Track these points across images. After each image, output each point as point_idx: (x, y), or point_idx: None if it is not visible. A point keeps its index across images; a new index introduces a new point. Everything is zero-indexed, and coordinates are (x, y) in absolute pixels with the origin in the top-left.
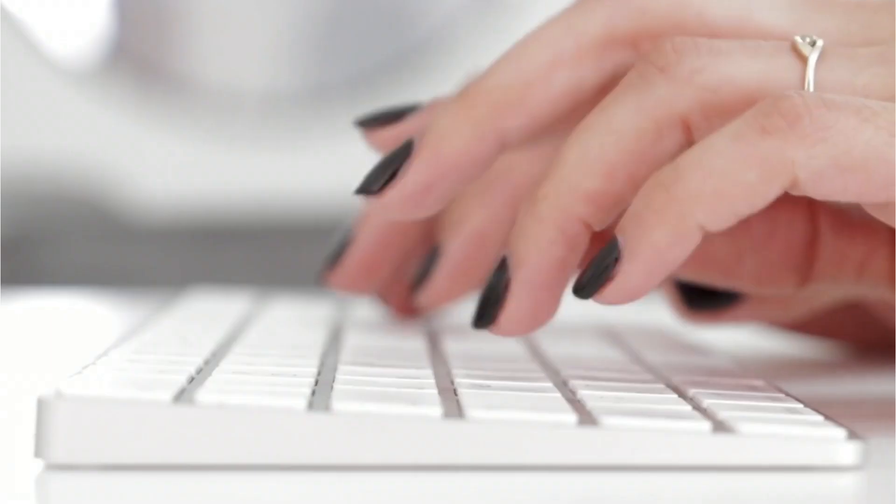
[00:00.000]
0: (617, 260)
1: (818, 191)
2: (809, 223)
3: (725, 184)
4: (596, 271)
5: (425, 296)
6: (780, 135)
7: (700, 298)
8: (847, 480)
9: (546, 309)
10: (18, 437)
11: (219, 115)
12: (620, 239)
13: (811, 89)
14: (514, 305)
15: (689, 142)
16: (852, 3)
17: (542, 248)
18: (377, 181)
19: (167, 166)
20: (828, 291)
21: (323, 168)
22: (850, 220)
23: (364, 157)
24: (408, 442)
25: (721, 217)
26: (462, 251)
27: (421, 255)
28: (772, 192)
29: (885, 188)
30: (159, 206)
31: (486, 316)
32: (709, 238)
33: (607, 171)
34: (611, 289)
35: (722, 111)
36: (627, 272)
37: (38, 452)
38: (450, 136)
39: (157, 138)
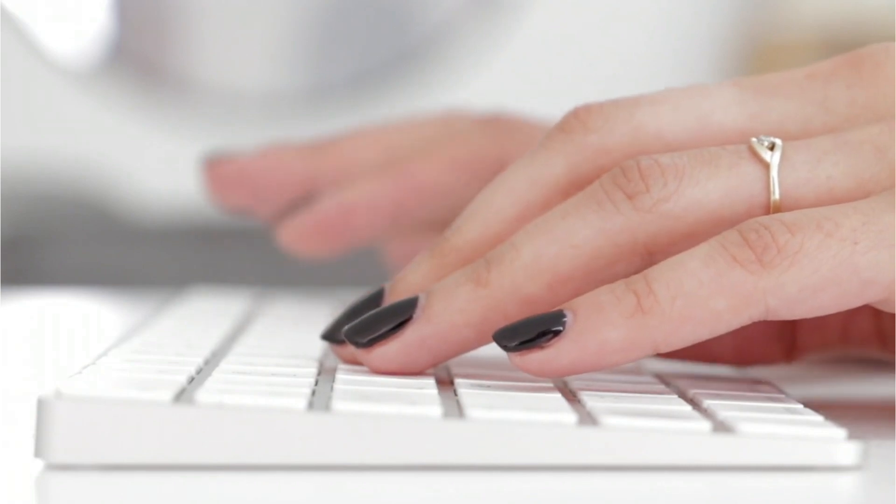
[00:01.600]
0: (557, 334)
1: (793, 313)
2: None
3: (694, 308)
4: (531, 331)
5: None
6: (750, 266)
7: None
8: (847, 480)
9: (420, 364)
10: (18, 437)
11: (219, 115)
12: (569, 316)
13: (777, 194)
14: (397, 348)
15: (646, 265)
16: (803, 76)
17: (456, 323)
18: (336, 328)
19: (167, 166)
20: (819, 356)
21: None
22: None
23: None
24: (408, 442)
25: (680, 339)
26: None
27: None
28: (739, 322)
29: (859, 295)
30: (159, 206)
31: (361, 334)
32: None
33: (554, 283)
34: (537, 357)
35: (688, 235)
36: (563, 351)
37: (38, 452)
38: (420, 290)
39: (157, 138)
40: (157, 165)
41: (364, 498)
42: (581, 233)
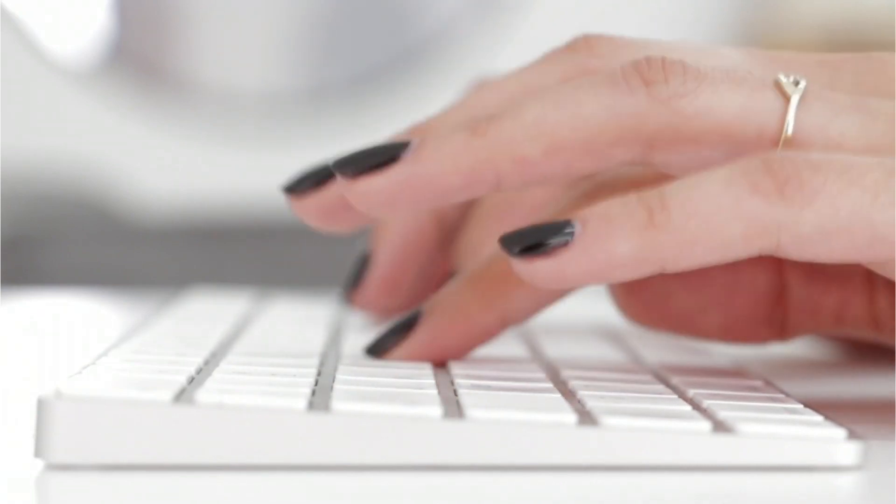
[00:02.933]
0: (566, 243)
1: (801, 254)
2: (775, 276)
3: (707, 231)
4: (537, 238)
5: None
6: (769, 196)
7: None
8: (847, 480)
9: (402, 204)
10: (18, 437)
11: (218, 114)
12: (578, 226)
13: (790, 130)
14: (381, 182)
15: (644, 159)
16: (814, 60)
17: (445, 168)
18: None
19: (167, 166)
20: (810, 335)
21: None
22: (822, 270)
23: None
24: (408, 442)
25: (688, 260)
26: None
27: (438, 273)
28: (749, 251)
29: (867, 248)
30: (159, 206)
31: (350, 166)
32: (670, 293)
33: (552, 149)
34: (544, 265)
35: (692, 140)
36: (570, 260)
37: (38, 452)
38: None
39: (157, 138)
40: (157, 165)
41: (364, 498)
42: (590, 105)
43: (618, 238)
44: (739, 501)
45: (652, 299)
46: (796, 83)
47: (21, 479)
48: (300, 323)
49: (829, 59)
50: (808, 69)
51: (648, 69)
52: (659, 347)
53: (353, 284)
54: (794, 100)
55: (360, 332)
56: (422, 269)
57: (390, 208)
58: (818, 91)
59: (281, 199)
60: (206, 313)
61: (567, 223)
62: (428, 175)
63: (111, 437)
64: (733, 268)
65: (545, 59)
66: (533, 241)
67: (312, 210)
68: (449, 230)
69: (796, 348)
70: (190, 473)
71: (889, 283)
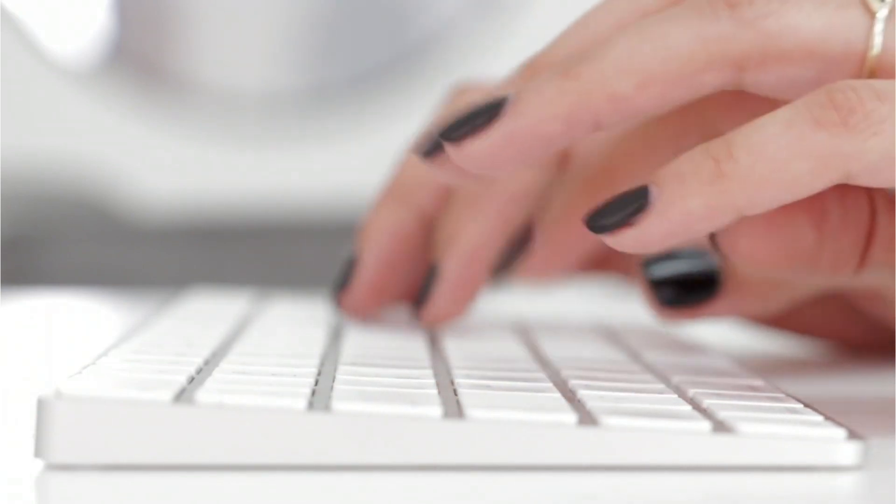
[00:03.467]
0: (643, 209)
1: (873, 181)
2: (870, 204)
3: (775, 172)
4: (618, 212)
5: (427, 314)
6: (833, 129)
7: (676, 294)
8: (847, 480)
9: (508, 161)
10: (18, 437)
11: (219, 115)
12: (654, 190)
13: (876, 48)
14: (484, 142)
15: (735, 82)
16: None
17: (543, 116)
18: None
19: (167, 166)
20: (874, 280)
21: (323, 168)
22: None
23: (363, 157)
24: (408, 442)
25: (762, 203)
26: (457, 270)
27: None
28: (820, 185)
29: None
30: (159, 206)
31: (453, 132)
32: (795, 224)
33: (644, 83)
34: (628, 234)
35: (780, 59)
36: (651, 225)
37: (38, 452)
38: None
39: (157, 138)
40: (157, 165)
41: (364, 498)
42: (677, 35)
43: (690, 194)
44: (739, 501)
45: (768, 231)
46: None
47: (21, 479)
48: (300, 323)
49: None
50: None
51: None
52: (659, 347)
53: (340, 286)
54: (881, 15)
55: (361, 331)
56: (408, 269)
57: (500, 166)
58: None
59: (281, 199)
60: (206, 313)
61: (643, 189)
62: (528, 126)
63: (111, 437)
64: (839, 198)
65: None
66: (614, 216)
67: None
68: (432, 227)
69: (796, 348)
70: (190, 473)
71: None
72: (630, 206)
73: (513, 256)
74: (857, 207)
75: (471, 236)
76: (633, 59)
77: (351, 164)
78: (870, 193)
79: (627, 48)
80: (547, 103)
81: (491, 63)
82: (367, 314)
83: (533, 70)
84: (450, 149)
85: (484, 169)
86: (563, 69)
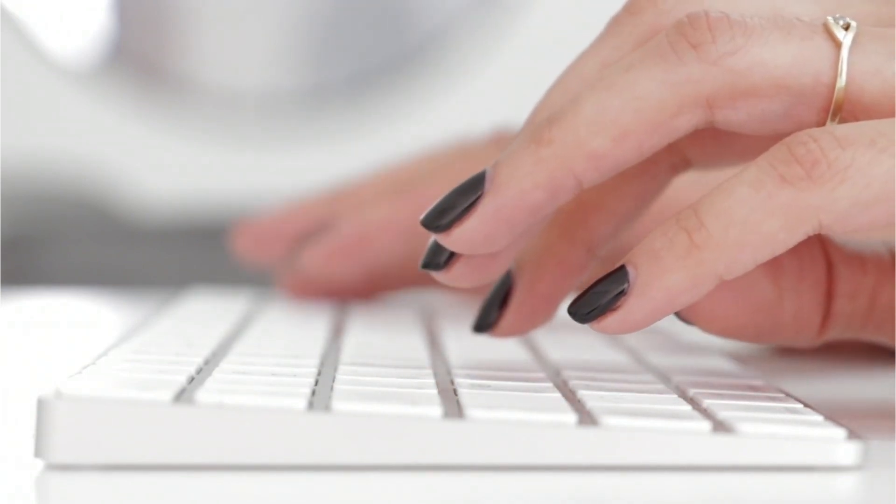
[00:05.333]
0: (624, 292)
1: (846, 229)
2: (826, 258)
3: (748, 233)
4: (600, 299)
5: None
6: (800, 183)
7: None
8: (847, 480)
9: (501, 237)
10: (18, 437)
11: (219, 115)
12: (631, 271)
13: (843, 78)
14: (474, 224)
15: (707, 121)
16: None
17: (524, 188)
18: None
19: (167, 166)
20: (840, 333)
21: (323, 168)
22: (857, 252)
23: (363, 157)
24: (408, 442)
25: (741, 266)
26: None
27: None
28: (795, 240)
29: None
30: (159, 206)
31: (441, 221)
32: (752, 284)
33: (619, 136)
34: (612, 319)
35: (750, 94)
36: (634, 307)
37: (38, 452)
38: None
39: (157, 138)
40: (157, 165)
41: (364, 498)
42: (644, 84)
43: (667, 270)
44: (739, 501)
45: (734, 296)
46: (846, 27)
47: (21, 479)
48: (300, 323)
49: None
50: None
51: (693, 31)
52: (659, 347)
53: (237, 226)
54: (846, 44)
55: (361, 331)
56: (304, 228)
57: (492, 243)
58: (871, 31)
59: (281, 199)
60: (206, 313)
61: (621, 272)
62: (512, 201)
63: (111, 437)
64: (797, 251)
65: (614, 30)
66: (596, 304)
67: (460, 275)
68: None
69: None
70: (190, 473)
71: None
72: (611, 291)
73: (492, 309)
74: (812, 259)
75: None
76: (604, 115)
77: (351, 164)
78: (824, 246)
79: (597, 104)
80: (527, 175)
81: (491, 63)
82: (252, 256)
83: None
84: (440, 238)
85: (477, 250)
86: (534, 135)
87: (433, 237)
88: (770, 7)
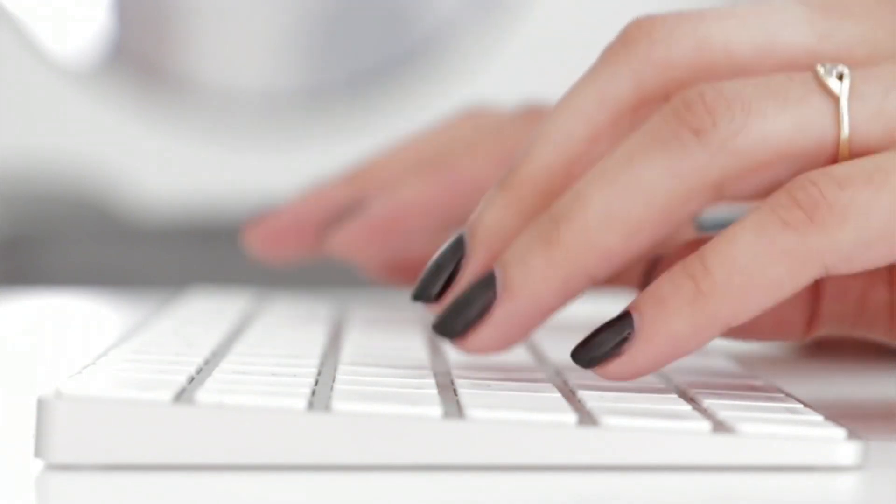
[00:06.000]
0: (628, 338)
1: (851, 269)
2: None
3: (753, 280)
4: (604, 344)
5: (466, 345)
6: (802, 227)
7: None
8: (847, 480)
9: (517, 338)
10: (18, 437)
11: (219, 115)
12: (636, 318)
13: (846, 130)
14: (490, 331)
15: (716, 199)
16: (872, 0)
17: (539, 292)
18: (433, 285)
19: (167, 166)
20: (832, 331)
21: (323, 168)
22: None
23: (363, 157)
24: (408, 442)
25: (746, 312)
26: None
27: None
28: (801, 284)
29: None
30: (159, 206)
31: (454, 327)
32: None
33: (630, 232)
34: (617, 364)
35: (757, 170)
36: (638, 353)
37: (38, 452)
38: (500, 231)
39: (157, 138)
40: (157, 165)
41: (364, 498)
42: (650, 178)
43: (672, 317)
44: (739, 501)
45: None
46: (840, 77)
47: (21, 479)
48: (300, 323)
49: None
50: (867, 15)
51: (693, 117)
52: None
53: (252, 223)
54: (844, 96)
55: (361, 331)
56: (323, 225)
57: (511, 343)
58: (864, 74)
59: (281, 199)
60: (206, 313)
61: (626, 318)
62: (527, 307)
63: (111, 437)
64: None
65: (608, 62)
66: (601, 349)
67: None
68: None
69: (796, 348)
70: (190, 473)
71: None
72: (615, 336)
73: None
74: None
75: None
76: (613, 212)
77: (350, 164)
78: None
79: (604, 202)
80: (540, 280)
81: (491, 63)
82: (272, 253)
83: (515, 189)
84: (456, 343)
85: (494, 351)
86: (543, 235)
87: (431, 280)
88: (764, 37)
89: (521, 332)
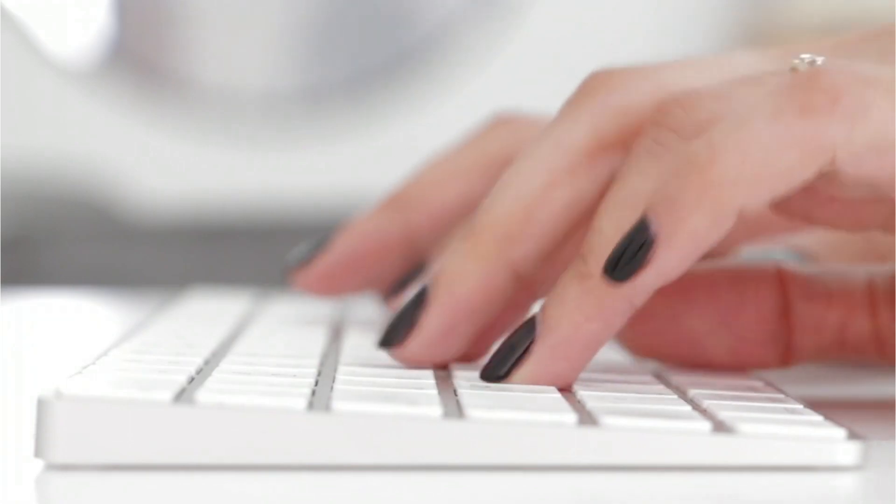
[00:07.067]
0: (650, 246)
1: (855, 169)
2: (779, 294)
3: (765, 167)
4: (630, 256)
5: (399, 354)
6: (821, 114)
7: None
8: (847, 480)
9: (562, 377)
10: (18, 437)
11: (218, 115)
12: (654, 222)
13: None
14: (533, 368)
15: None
16: (830, 46)
17: (578, 322)
18: (397, 333)
19: (167, 166)
20: (813, 360)
21: (322, 168)
22: (824, 286)
23: (363, 157)
24: (408, 442)
25: (759, 199)
26: (444, 319)
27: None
28: (811, 173)
29: None
30: (159, 206)
31: (497, 368)
32: (678, 316)
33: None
34: (648, 274)
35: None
36: (665, 258)
37: (38, 452)
38: (462, 278)
39: (157, 138)
40: (157, 165)
41: (364, 498)
42: (644, 186)
43: (688, 214)
44: (739, 501)
45: (660, 326)
46: (812, 62)
47: (21, 479)
48: (300, 323)
49: (845, 40)
50: (825, 56)
51: (670, 117)
52: None
53: (300, 262)
54: (802, 66)
55: (361, 332)
56: (377, 269)
57: (554, 381)
58: (835, 60)
59: (280, 200)
60: (206, 313)
61: (643, 224)
62: (567, 336)
63: (111, 437)
64: (738, 286)
65: (567, 111)
66: (628, 261)
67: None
68: (418, 239)
69: None
70: (190, 473)
71: (891, 299)
72: (639, 245)
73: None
74: (757, 295)
75: (469, 281)
76: (623, 232)
77: (350, 164)
78: (781, 280)
79: (613, 225)
80: (575, 309)
81: (491, 63)
82: (318, 296)
83: (477, 235)
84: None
85: (547, 385)
86: (576, 273)
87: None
88: (720, 77)
89: (565, 368)
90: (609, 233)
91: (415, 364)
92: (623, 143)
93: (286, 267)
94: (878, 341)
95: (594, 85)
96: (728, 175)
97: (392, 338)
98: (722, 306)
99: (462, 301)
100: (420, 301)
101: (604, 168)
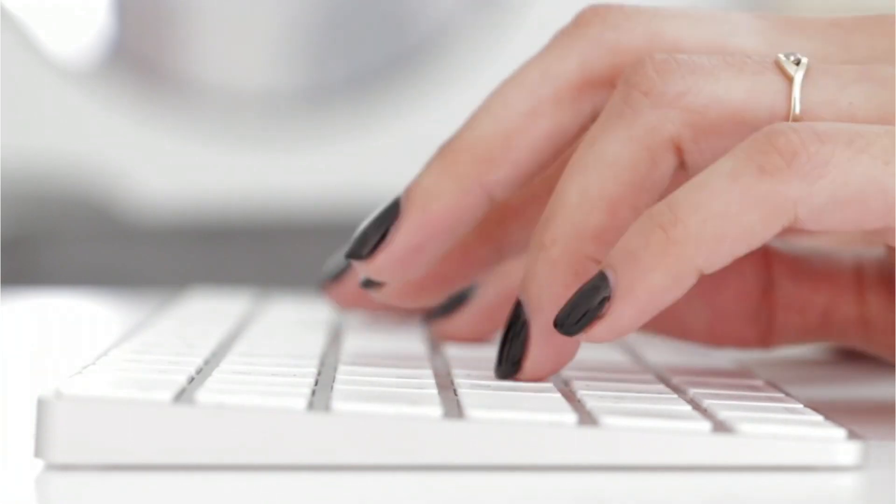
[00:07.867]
0: (607, 298)
1: (818, 225)
2: (763, 271)
3: (725, 226)
4: (584, 308)
5: (445, 330)
6: (778, 174)
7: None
8: (847, 480)
9: (568, 349)
10: (18, 437)
11: (219, 115)
12: (611, 276)
13: (797, 108)
14: (537, 351)
15: (681, 162)
16: (826, 22)
17: (557, 293)
18: (366, 245)
19: (167, 166)
20: (795, 342)
21: (323, 168)
22: (811, 267)
23: (362, 157)
24: (408, 442)
25: (719, 259)
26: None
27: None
28: (772, 232)
29: (883, 216)
30: (159, 206)
31: (510, 364)
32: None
33: (610, 207)
34: (601, 327)
35: (710, 132)
36: (620, 312)
37: (38, 452)
38: (436, 194)
39: (157, 138)
40: (157, 165)
41: (364, 498)
42: (610, 149)
43: (647, 270)
44: (739, 501)
45: None
46: (797, 62)
47: (21, 479)
48: (300, 323)
49: (841, 21)
50: (819, 33)
51: (641, 78)
52: (659, 347)
53: (335, 276)
54: (798, 78)
55: (361, 332)
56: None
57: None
58: (822, 66)
59: (280, 200)
60: (206, 313)
61: (602, 279)
62: (549, 313)
63: (111, 437)
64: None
65: (560, 41)
66: (580, 314)
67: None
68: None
69: (796, 348)
70: (190, 473)
71: (879, 283)
72: (594, 299)
73: (448, 310)
74: (740, 273)
75: (443, 199)
76: (590, 195)
77: (350, 163)
78: (766, 259)
79: (578, 186)
80: (552, 283)
81: (491, 63)
82: (352, 309)
83: (454, 154)
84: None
85: (543, 372)
86: (538, 244)
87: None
88: (715, 38)
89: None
90: (572, 196)
91: (379, 277)
92: (610, 81)
93: (322, 279)
94: (863, 326)
95: (590, 18)
96: (689, 235)
97: (360, 250)
98: (703, 281)
99: (435, 219)
100: (392, 215)
101: (588, 103)
